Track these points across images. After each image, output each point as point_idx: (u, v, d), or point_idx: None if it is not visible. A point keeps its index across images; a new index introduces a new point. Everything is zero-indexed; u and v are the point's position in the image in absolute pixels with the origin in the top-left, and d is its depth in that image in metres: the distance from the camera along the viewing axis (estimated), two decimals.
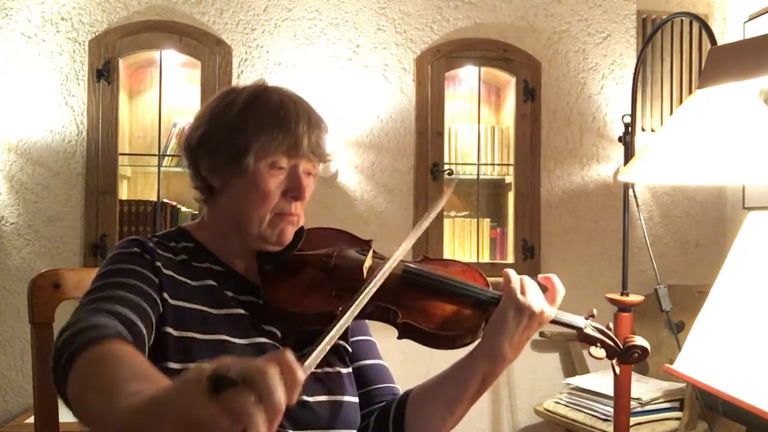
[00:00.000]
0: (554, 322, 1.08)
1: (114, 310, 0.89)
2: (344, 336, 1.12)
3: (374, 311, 1.02)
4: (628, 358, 1.09)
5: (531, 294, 1.03)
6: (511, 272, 1.06)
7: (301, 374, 0.55)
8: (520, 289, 1.03)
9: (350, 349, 1.13)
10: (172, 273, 1.02)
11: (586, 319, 1.11)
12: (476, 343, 1.05)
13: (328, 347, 0.69)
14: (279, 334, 1.05)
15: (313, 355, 0.65)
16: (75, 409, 0.74)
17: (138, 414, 0.59)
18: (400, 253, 0.99)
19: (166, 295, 0.99)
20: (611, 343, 1.09)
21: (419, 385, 1.09)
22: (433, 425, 1.04)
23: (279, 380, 0.52)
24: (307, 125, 1.04)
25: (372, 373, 1.15)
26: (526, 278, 1.06)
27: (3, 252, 2.81)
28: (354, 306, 0.81)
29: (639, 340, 1.09)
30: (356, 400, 1.08)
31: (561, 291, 1.07)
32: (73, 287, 1.23)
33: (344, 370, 1.09)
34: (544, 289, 1.07)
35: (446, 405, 1.04)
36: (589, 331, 1.10)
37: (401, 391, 1.13)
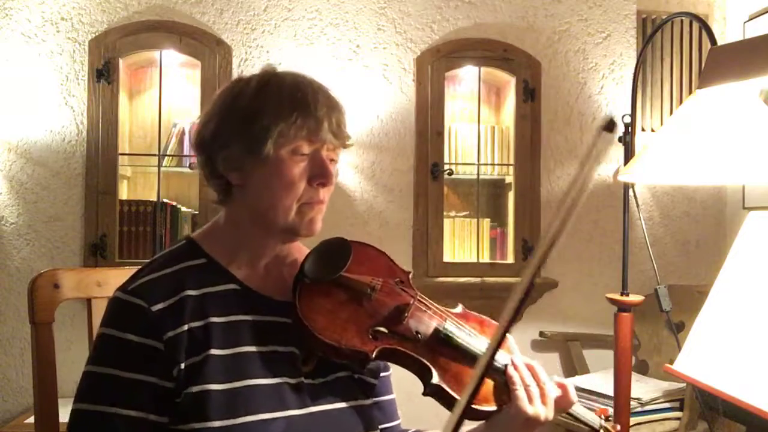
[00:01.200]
0: (569, 415, 1.05)
1: None
2: (374, 373, 1.07)
3: (411, 362, 0.97)
4: None
5: (538, 402, 0.98)
6: (515, 374, 0.99)
7: None
8: (527, 399, 0.97)
9: (375, 383, 1.08)
10: (195, 324, 0.95)
11: (600, 417, 1.09)
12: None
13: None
14: (298, 353, 0.99)
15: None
16: None
17: None
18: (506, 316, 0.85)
19: (189, 357, 0.93)
20: None
21: None
22: None
23: None
24: (326, 107, 0.97)
25: (386, 410, 1.11)
26: (537, 374, 1.00)
27: (3, 252, 2.81)
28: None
29: None
30: (369, 403, 1.05)
31: (573, 403, 1.03)
32: (73, 287, 1.23)
33: (366, 402, 1.04)
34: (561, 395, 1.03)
35: None
36: None
37: (403, 425, 1.12)
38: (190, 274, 0.99)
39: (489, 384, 0.99)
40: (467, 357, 0.99)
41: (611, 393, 2.06)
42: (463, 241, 3.11)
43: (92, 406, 0.92)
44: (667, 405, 2.56)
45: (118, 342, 0.93)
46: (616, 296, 1.91)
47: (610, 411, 1.11)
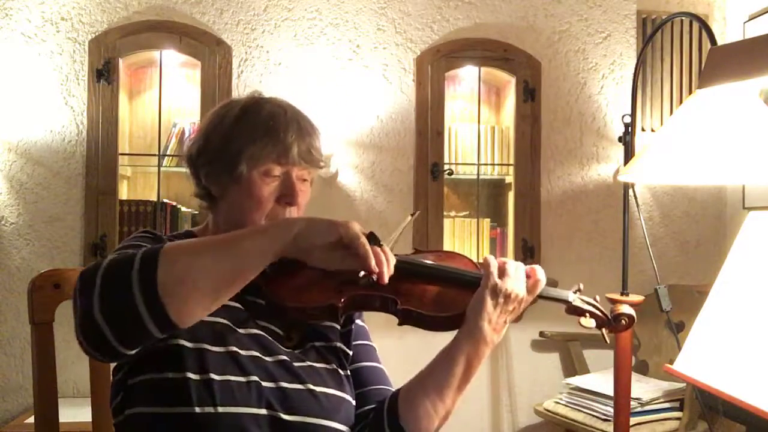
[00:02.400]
0: (542, 297, 1.11)
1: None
2: (345, 340, 1.16)
3: (376, 302, 1.06)
4: (617, 326, 1.13)
5: (508, 277, 1.05)
6: (491, 257, 1.08)
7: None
8: (498, 272, 1.05)
9: (350, 353, 1.16)
10: None
11: (574, 293, 1.14)
12: None
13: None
14: (280, 331, 1.09)
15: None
16: (172, 285, 0.85)
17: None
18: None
19: None
20: (599, 313, 1.13)
21: (409, 380, 1.12)
22: (426, 413, 1.06)
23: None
24: (296, 133, 1.08)
25: (369, 375, 1.18)
26: (510, 262, 1.07)
27: (3, 252, 2.81)
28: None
29: (625, 308, 1.13)
30: (353, 400, 1.11)
31: (542, 281, 1.09)
32: (72, 287, 1.23)
33: (342, 372, 1.12)
34: (526, 275, 1.09)
35: (436, 391, 1.06)
36: (577, 303, 1.13)
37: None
38: None
39: (454, 292, 1.08)
40: (424, 278, 1.09)
41: (611, 393, 2.06)
42: (463, 241, 3.12)
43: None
44: (667, 405, 2.56)
45: (142, 237, 1.06)
46: (616, 296, 1.91)
47: (581, 285, 1.15)
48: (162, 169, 2.91)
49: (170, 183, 3.03)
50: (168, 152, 2.94)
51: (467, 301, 1.06)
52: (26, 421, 2.58)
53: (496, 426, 3.10)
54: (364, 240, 0.96)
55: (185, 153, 1.16)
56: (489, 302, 1.03)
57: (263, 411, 0.99)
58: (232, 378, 0.99)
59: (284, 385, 1.02)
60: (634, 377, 2.23)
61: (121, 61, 2.84)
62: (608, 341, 1.19)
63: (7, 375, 2.81)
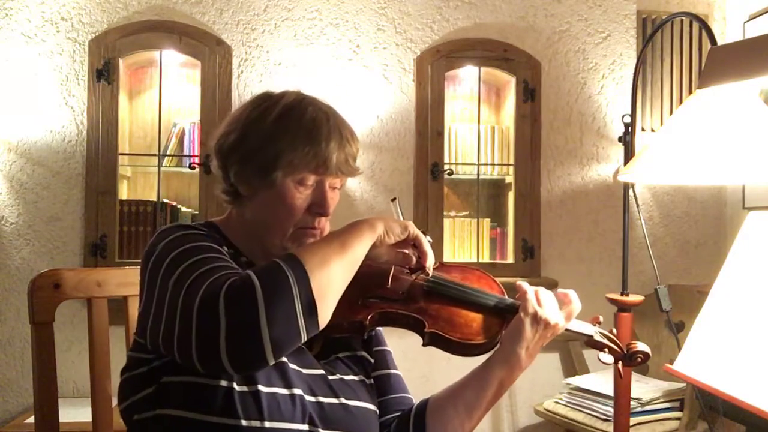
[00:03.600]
0: (567, 330, 1.12)
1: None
2: (368, 347, 1.16)
3: (403, 320, 1.06)
4: (632, 362, 1.15)
5: (546, 305, 1.07)
6: (525, 284, 1.09)
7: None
8: (536, 300, 1.07)
9: (372, 361, 1.16)
10: None
11: (594, 325, 1.17)
12: (493, 350, 1.10)
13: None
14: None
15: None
16: (324, 293, 0.87)
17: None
18: None
19: None
20: (617, 348, 1.15)
21: (438, 393, 1.13)
22: (453, 430, 1.08)
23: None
24: (337, 143, 1.05)
25: (389, 383, 1.18)
26: (542, 290, 1.09)
27: (3, 252, 2.81)
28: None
29: (641, 346, 1.15)
30: (377, 410, 1.11)
31: (578, 308, 1.11)
32: (73, 287, 1.23)
33: (368, 381, 1.12)
34: (560, 302, 1.11)
35: (466, 411, 1.08)
36: (598, 338, 1.15)
37: (414, 400, 1.17)
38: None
39: (484, 318, 1.09)
40: (453, 301, 1.08)
41: (611, 393, 2.07)
42: (463, 241, 3.12)
43: (190, 260, 0.93)
44: (667, 405, 2.56)
45: (191, 234, 1.01)
46: (616, 296, 1.91)
47: (601, 318, 1.19)
48: (162, 169, 2.91)
49: (170, 183, 3.03)
50: (168, 152, 2.94)
51: (496, 328, 1.07)
52: (26, 421, 2.58)
53: (496, 426, 3.10)
54: (425, 239, 1.06)
55: (215, 144, 1.09)
56: (529, 330, 1.05)
57: (305, 427, 0.97)
58: (278, 391, 0.95)
59: (322, 399, 1.01)
60: (634, 377, 2.23)
61: (121, 61, 2.84)
62: (622, 376, 1.23)
63: (7, 375, 2.81)
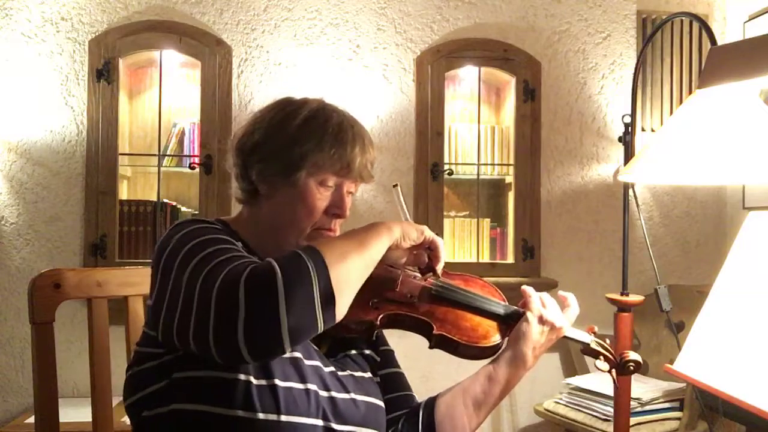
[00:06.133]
0: (565, 337, 1.20)
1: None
2: (373, 346, 1.19)
3: (411, 322, 1.10)
4: (625, 371, 1.21)
5: (551, 307, 1.15)
6: (530, 288, 1.16)
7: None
8: (541, 303, 1.15)
9: (378, 359, 1.20)
10: None
11: (589, 334, 1.23)
12: (497, 353, 1.16)
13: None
14: (311, 341, 1.06)
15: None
16: (343, 286, 0.88)
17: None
18: None
19: None
20: (611, 357, 1.21)
21: (447, 390, 1.18)
22: (462, 426, 1.14)
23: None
24: (361, 148, 1.10)
25: (394, 381, 1.22)
26: (545, 295, 1.17)
27: (3, 252, 2.81)
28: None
29: (633, 355, 1.22)
30: (384, 405, 1.14)
31: (577, 311, 1.19)
32: (73, 287, 1.23)
33: (375, 379, 1.16)
34: (560, 305, 1.19)
35: (474, 407, 1.14)
36: (594, 346, 1.22)
37: (417, 397, 1.22)
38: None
39: (489, 323, 1.15)
40: (460, 305, 1.14)
41: (611, 393, 2.07)
42: (463, 241, 3.12)
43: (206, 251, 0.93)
44: (667, 405, 2.56)
45: (205, 228, 1.01)
46: (616, 296, 1.91)
47: (596, 328, 1.25)
48: (162, 169, 2.91)
49: (170, 183, 3.03)
50: (168, 152, 2.94)
51: (500, 332, 1.14)
52: (26, 421, 2.58)
53: (496, 426, 3.10)
54: (441, 243, 1.10)
55: (236, 143, 1.11)
56: (535, 331, 1.13)
57: (319, 422, 0.98)
58: (294, 385, 0.97)
59: (335, 394, 1.03)
60: (634, 377, 2.23)
61: (121, 61, 2.84)
62: (617, 386, 1.31)
63: (7, 375, 2.81)
